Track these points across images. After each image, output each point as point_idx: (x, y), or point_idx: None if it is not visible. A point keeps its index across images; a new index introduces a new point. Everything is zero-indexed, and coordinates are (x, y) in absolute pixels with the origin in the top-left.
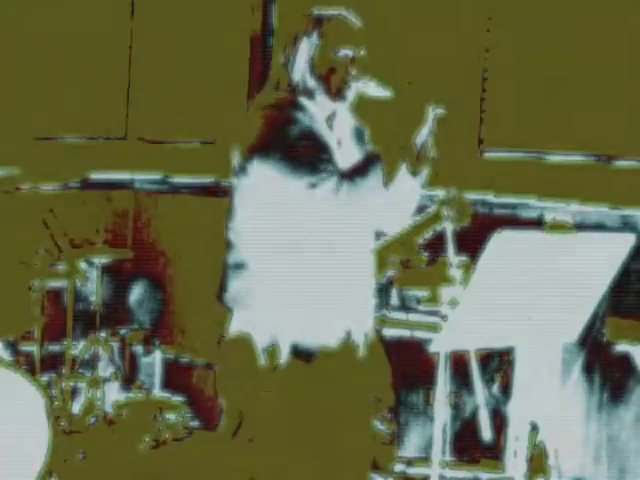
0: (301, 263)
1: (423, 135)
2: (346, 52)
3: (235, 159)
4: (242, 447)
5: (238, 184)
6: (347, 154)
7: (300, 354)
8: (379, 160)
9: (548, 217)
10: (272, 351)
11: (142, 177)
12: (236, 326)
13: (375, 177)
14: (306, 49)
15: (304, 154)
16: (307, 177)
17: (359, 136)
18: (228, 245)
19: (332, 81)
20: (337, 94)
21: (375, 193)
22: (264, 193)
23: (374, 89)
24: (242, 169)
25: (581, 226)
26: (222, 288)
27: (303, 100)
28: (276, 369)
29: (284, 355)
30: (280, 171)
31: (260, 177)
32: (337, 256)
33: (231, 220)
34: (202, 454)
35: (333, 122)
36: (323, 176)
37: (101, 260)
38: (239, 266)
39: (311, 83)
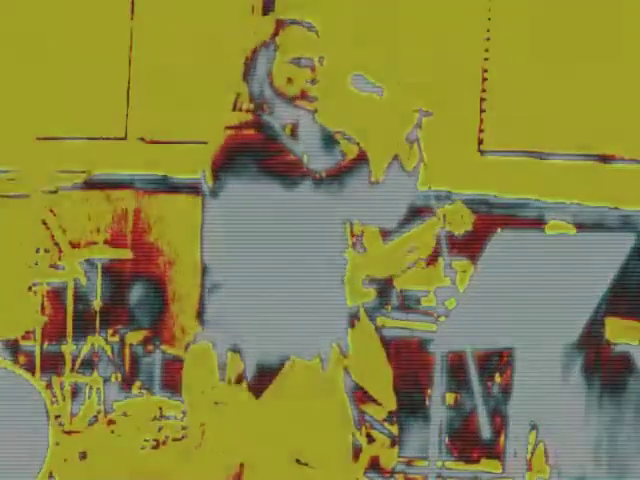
0: (275, 276)
1: (414, 134)
2: (305, 61)
3: (204, 182)
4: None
5: (210, 206)
6: (317, 161)
7: (264, 371)
8: (366, 158)
9: (548, 217)
10: (236, 365)
11: (142, 177)
12: (203, 337)
13: (361, 175)
14: (264, 60)
15: (276, 167)
16: (283, 180)
17: (327, 141)
18: (203, 268)
19: (291, 92)
20: (298, 104)
21: (360, 191)
22: (237, 213)
23: (365, 86)
24: (213, 192)
25: (581, 226)
26: (200, 310)
27: (265, 116)
28: (240, 383)
29: (249, 370)
30: (253, 188)
31: (233, 198)
32: (309, 267)
33: (205, 243)
34: (202, 454)
35: (297, 133)
36: (299, 177)
37: (101, 260)
38: (215, 287)
39: (269, 94)
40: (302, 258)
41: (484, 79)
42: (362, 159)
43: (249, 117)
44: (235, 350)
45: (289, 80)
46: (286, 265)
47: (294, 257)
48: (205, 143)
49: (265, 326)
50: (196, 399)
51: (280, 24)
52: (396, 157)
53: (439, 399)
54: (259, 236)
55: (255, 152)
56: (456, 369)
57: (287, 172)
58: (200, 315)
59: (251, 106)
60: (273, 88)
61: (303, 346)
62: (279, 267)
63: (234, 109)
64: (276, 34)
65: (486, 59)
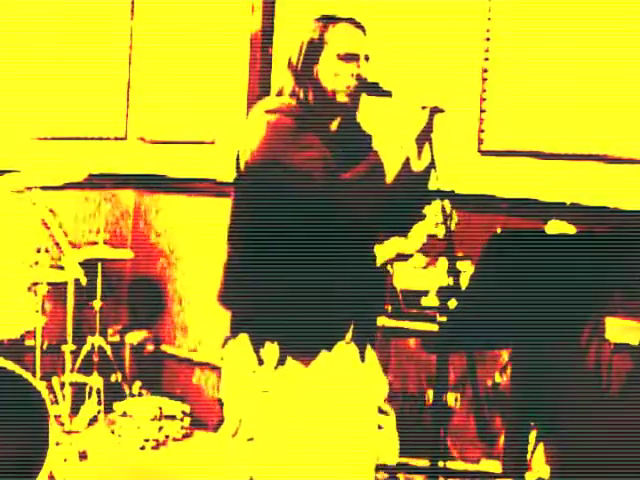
0: (302, 265)
1: (424, 135)
2: (352, 58)
3: (236, 163)
4: (242, 446)
5: (239, 187)
6: (351, 159)
7: (299, 356)
8: (379, 161)
9: (548, 217)
10: (270, 353)
11: (142, 177)
12: (235, 327)
13: (376, 177)
14: (312, 55)
15: (308, 161)
16: (311, 183)
17: (363, 141)
18: (229, 247)
19: (338, 88)
20: (343, 101)
21: (377, 193)
22: (265, 197)
23: (376, 93)
24: (244, 173)
25: (580, 226)
26: (222, 290)
27: (307, 107)
28: (275, 369)
29: (283, 357)
30: (282, 176)
31: (262, 181)
32: (338, 256)
33: (232, 222)
34: (202, 454)
35: (338, 128)
36: (326, 182)
37: (101, 260)
38: (239, 268)
39: (317, 90)
40: (325, 250)
41: (484, 79)
42: (376, 162)
43: (291, 101)
44: (272, 340)
45: (335, 75)
46: (312, 254)
47: (319, 248)
48: (207, 143)
49: (296, 317)
50: (236, 385)
51: (330, 21)
52: (407, 160)
53: (442, 399)
54: (284, 225)
55: (287, 140)
56: (457, 370)
57: (311, 167)
58: (222, 297)
59: (295, 91)
60: (319, 81)
61: (334, 338)
62: (304, 255)
63: (278, 95)
64: (325, 30)
65: (486, 59)
